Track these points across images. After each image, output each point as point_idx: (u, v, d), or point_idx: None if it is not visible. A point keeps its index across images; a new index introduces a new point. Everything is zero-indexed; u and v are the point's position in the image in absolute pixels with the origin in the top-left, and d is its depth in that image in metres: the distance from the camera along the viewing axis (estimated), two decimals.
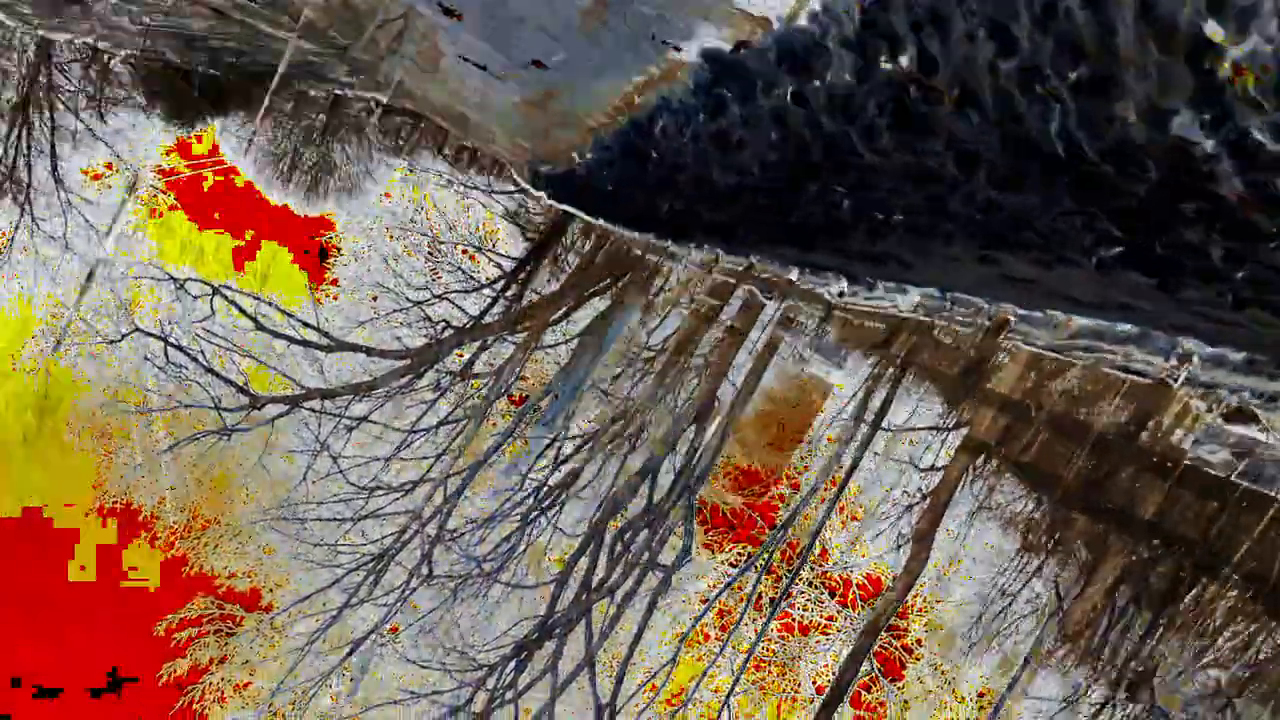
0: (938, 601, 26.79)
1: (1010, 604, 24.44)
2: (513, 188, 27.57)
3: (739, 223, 14.19)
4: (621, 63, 12.00)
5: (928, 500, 24.68)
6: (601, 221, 23.11)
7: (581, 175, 18.74)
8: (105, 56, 24.63)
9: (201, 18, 22.73)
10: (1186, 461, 20.67)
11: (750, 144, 9.61)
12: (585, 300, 24.83)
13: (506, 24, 14.19)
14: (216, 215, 30.37)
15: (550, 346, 25.26)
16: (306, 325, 25.21)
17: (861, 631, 25.98)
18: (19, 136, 24.25)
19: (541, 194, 23.98)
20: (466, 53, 19.73)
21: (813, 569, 28.10)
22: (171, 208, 29.98)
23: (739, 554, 28.22)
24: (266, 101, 26.37)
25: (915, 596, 26.37)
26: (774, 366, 25.48)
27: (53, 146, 25.00)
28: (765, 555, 27.30)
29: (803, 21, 7.19)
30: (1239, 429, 19.40)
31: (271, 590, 27.28)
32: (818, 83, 7.35)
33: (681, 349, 25.02)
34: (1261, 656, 20.34)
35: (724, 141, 10.19)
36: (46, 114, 24.32)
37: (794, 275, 18.23)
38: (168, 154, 29.21)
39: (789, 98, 7.92)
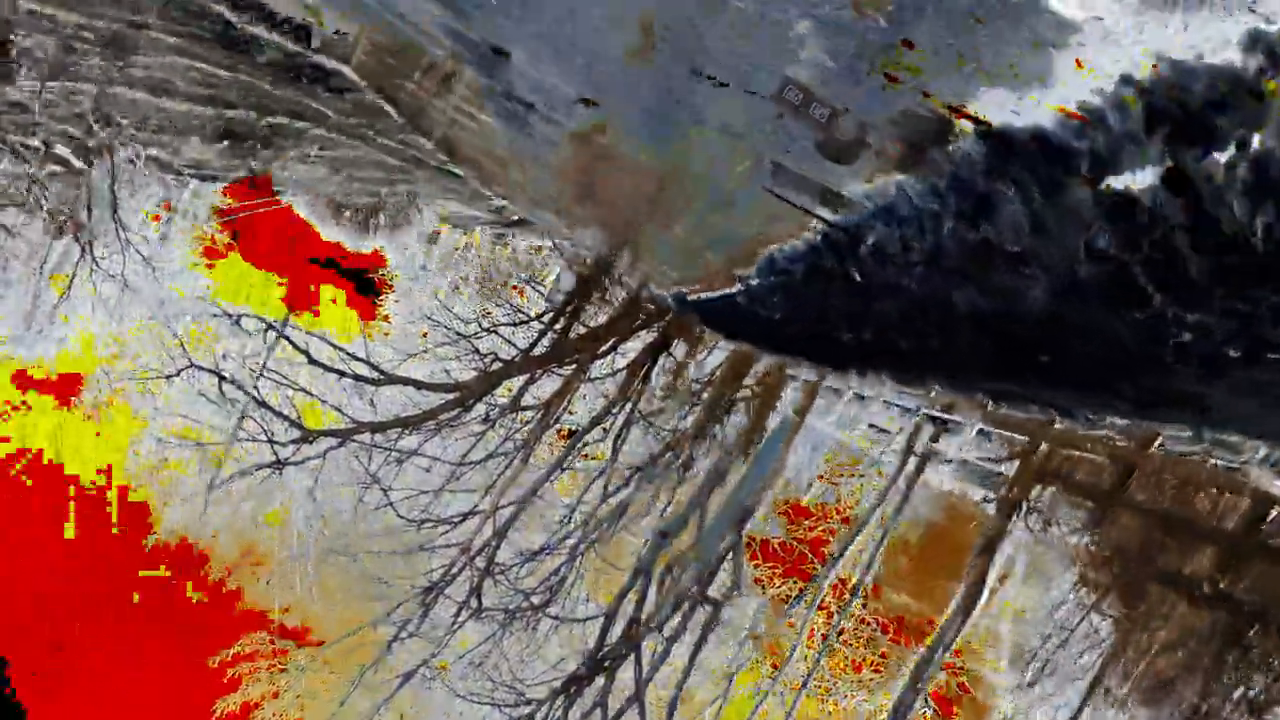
0: (993, 638, 26.33)
1: (1069, 638, 23.98)
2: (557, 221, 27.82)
3: (959, 356, 12.15)
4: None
5: (982, 534, 24.32)
6: (752, 347, 22.12)
7: (743, 302, 16.89)
8: (166, 99, 25.26)
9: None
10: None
11: (1037, 256, 7.32)
12: (632, 333, 24.89)
13: (556, 59, 14.00)
14: (270, 253, 30.88)
15: (597, 379, 25.33)
16: (357, 359, 25.50)
17: (914, 669, 25.60)
18: (81, 178, 24.94)
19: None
20: (515, 91, 19.84)
21: (865, 605, 27.75)
22: (228, 247, 30.56)
23: (790, 589, 27.93)
24: (315, 142, 26.87)
25: (971, 633, 25.94)
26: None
27: (113, 188, 25.64)
28: (816, 590, 27.02)
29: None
30: None
31: (322, 624, 27.46)
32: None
33: (730, 380, 24.98)
34: None
35: (985, 255, 7.97)
36: (107, 156, 24.95)
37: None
38: (224, 193, 29.82)
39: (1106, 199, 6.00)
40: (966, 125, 8.43)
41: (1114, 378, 9.26)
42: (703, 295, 19.42)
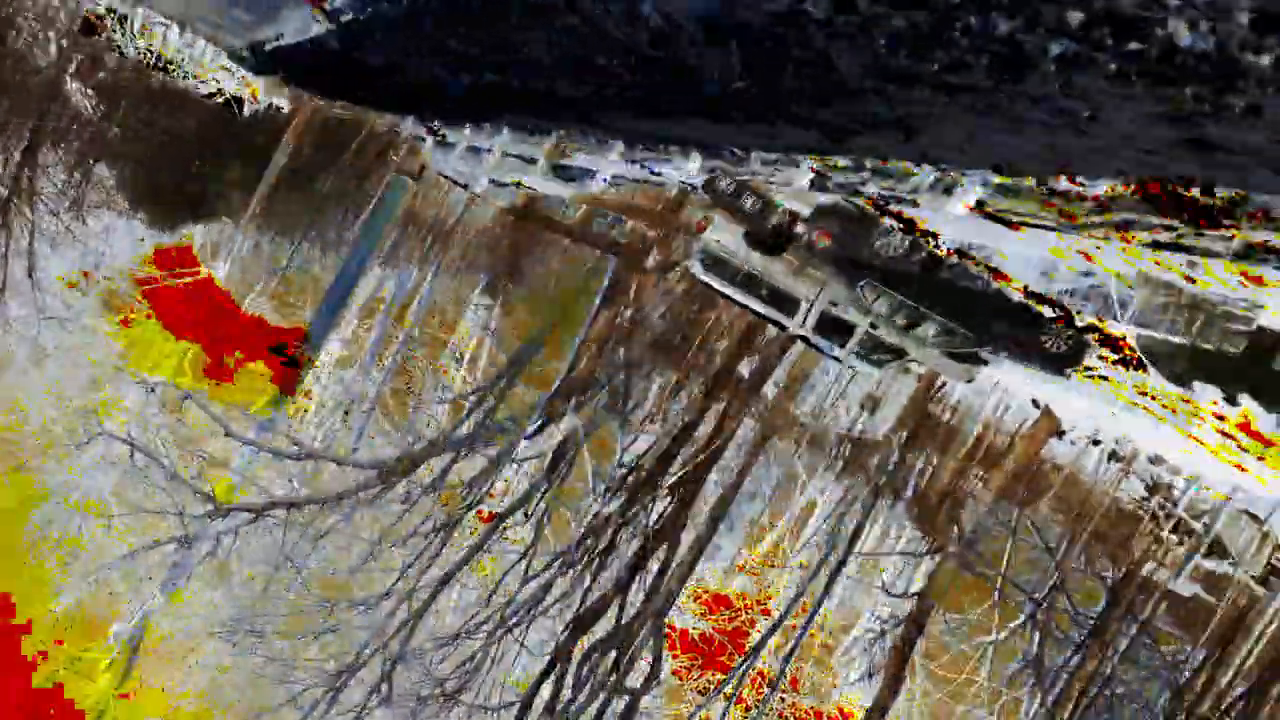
0: None
1: None
2: (490, 300, 27.73)
3: (599, 96, 10.34)
4: None
5: (900, 626, 24.34)
6: (349, 102, 18.41)
7: (336, 46, 13.90)
8: (89, 160, 24.87)
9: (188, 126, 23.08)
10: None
11: None
12: (558, 416, 24.74)
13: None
14: (190, 323, 30.29)
15: (522, 460, 25.05)
16: (276, 435, 24.97)
17: None
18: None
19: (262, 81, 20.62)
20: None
21: (783, 699, 27.49)
22: (146, 315, 29.91)
23: (708, 681, 27.59)
24: (250, 209, 26.63)
25: None
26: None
27: (30, 248, 25.04)
28: (734, 683, 26.71)
29: None
30: (1209, 564, 19.30)
31: (224, 711, 26.35)
32: None
33: (655, 468, 24.88)
34: None
35: None
36: (27, 217, 24.43)
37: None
38: (146, 262, 29.28)
39: None
40: None
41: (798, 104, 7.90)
42: (284, 42, 15.79)
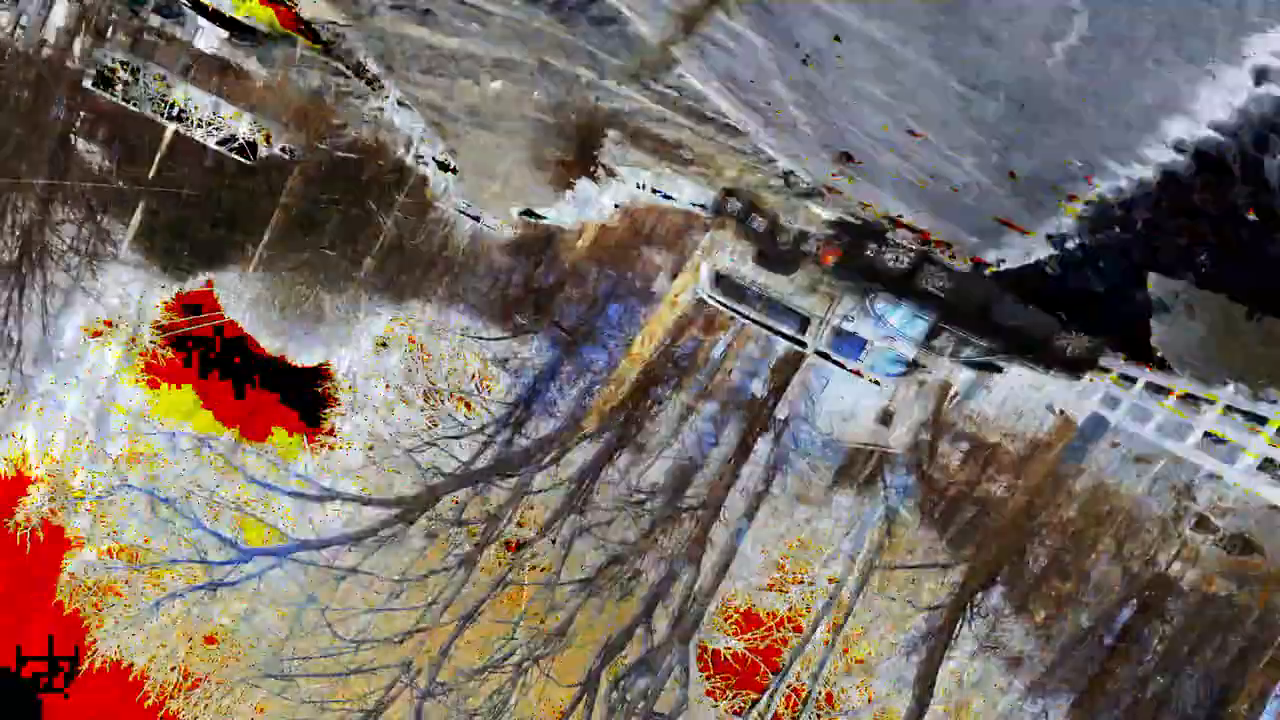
0: None
1: None
2: (500, 333, 27.80)
3: None
4: None
5: (930, 639, 24.14)
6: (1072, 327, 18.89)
7: (1054, 271, 14.09)
8: (98, 215, 25.19)
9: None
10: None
11: None
12: (575, 444, 24.77)
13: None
14: (212, 369, 30.58)
15: (541, 491, 25.07)
16: (298, 477, 25.14)
17: None
18: (10, 297, 24.61)
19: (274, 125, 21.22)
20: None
21: (819, 716, 27.29)
22: (169, 361, 30.23)
23: (743, 701, 27.43)
24: (257, 254, 26.87)
25: None
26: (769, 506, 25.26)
27: (44, 305, 25.33)
28: (768, 700, 26.56)
29: None
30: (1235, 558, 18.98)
31: None
32: None
33: (674, 491, 24.85)
34: None
35: None
36: (39, 273, 24.75)
37: None
38: (166, 309, 29.58)
39: None
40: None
41: None
42: (1003, 267, 16.28)
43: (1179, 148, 8.36)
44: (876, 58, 9.53)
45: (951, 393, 22.15)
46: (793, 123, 13.12)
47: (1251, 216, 8.11)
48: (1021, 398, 20.32)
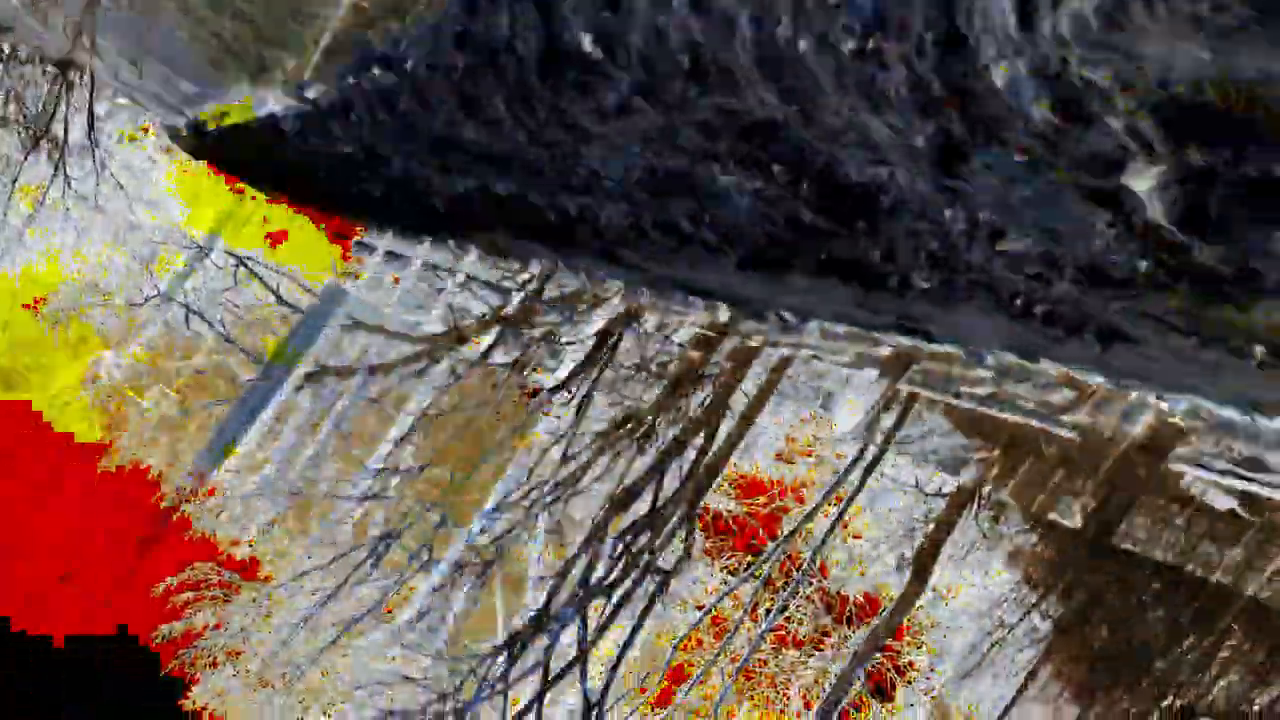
0: (933, 625, 26.74)
1: (1009, 634, 24.39)
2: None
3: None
4: None
5: (931, 524, 24.64)
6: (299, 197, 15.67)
7: (294, 129, 10.89)
8: (148, 14, 24.74)
9: None
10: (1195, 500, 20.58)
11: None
12: (603, 301, 24.85)
13: None
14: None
15: (568, 344, 25.30)
16: (328, 301, 25.36)
17: (855, 650, 26.00)
18: (58, 95, 24.43)
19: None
20: None
21: (811, 584, 28.04)
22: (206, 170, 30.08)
23: (738, 562, 28.18)
24: (319, 53, 26.45)
25: (911, 619, 26.33)
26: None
27: (91, 106, 25.17)
28: (764, 566, 27.27)
29: None
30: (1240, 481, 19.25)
31: (272, 562, 27.43)
32: None
33: (699, 356, 25.02)
34: (1257, 708, 20.28)
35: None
36: (86, 74, 24.47)
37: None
38: (205, 117, 29.28)
39: None
40: None
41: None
42: (225, 122, 12.55)
43: None
44: None
45: None
46: None
47: None
48: None
